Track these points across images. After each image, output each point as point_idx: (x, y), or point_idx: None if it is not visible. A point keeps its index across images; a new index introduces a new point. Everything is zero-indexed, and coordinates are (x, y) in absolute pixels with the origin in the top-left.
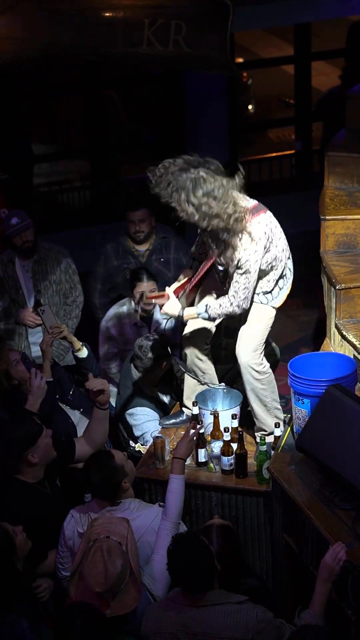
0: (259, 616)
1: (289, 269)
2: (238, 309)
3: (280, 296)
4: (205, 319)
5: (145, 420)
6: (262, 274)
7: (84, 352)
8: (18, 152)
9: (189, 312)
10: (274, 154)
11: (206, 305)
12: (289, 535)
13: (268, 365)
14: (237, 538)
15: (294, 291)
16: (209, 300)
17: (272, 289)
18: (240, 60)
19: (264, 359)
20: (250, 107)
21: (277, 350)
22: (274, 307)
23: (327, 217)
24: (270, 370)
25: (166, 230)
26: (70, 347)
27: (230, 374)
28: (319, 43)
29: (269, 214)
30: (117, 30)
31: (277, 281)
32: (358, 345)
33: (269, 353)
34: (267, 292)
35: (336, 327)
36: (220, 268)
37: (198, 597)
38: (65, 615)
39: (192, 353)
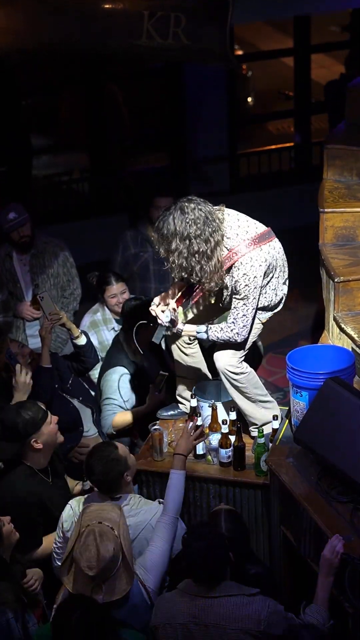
0: (270, 608)
1: (283, 292)
2: (238, 336)
3: (270, 313)
4: (203, 338)
5: (111, 413)
6: (260, 301)
7: (82, 339)
8: (17, 144)
9: (189, 328)
10: (274, 147)
11: (207, 326)
12: (286, 527)
13: (246, 365)
14: (245, 523)
15: (293, 284)
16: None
17: (268, 308)
18: (240, 52)
19: (243, 362)
20: (249, 99)
21: (261, 349)
22: (260, 321)
23: (326, 210)
24: (250, 369)
25: None
26: (68, 338)
27: None
28: (318, 35)
29: (275, 243)
30: (117, 22)
31: (274, 304)
32: (356, 338)
33: (253, 350)
34: (261, 309)
35: (335, 319)
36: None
37: (210, 588)
38: (61, 609)
39: (178, 353)
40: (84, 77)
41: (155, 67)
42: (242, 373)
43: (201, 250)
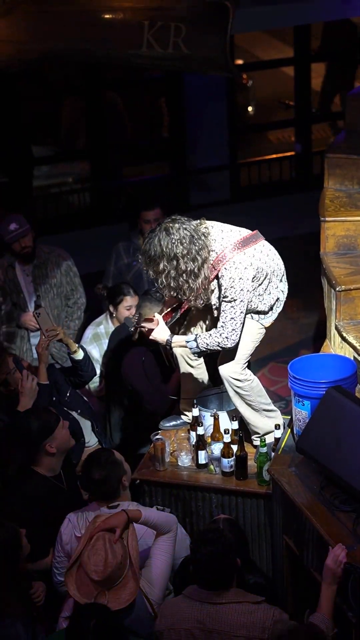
0: (275, 617)
1: (282, 292)
2: (227, 340)
3: (272, 316)
4: (193, 348)
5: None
6: (254, 303)
7: (79, 354)
8: (18, 154)
9: (177, 339)
10: (274, 156)
11: (196, 335)
12: (289, 537)
13: (250, 373)
14: (244, 533)
15: (294, 293)
16: (198, 331)
17: (266, 311)
18: (240, 62)
19: (246, 369)
20: (250, 108)
21: None
22: (263, 325)
23: (327, 219)
24: (253, 377)
25: None
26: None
27: None
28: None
29: (262, 246)
30: (117, 32)
31: (272, 306)
32: (358, 347)
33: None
34: (259, 313)
35: (336, 328)
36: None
37: (215, 594)
38: (78, 616)
39: (182, 358)
40: (84, 86)
41: (155, 76)
42: (246, 380)
43: (189, 269)
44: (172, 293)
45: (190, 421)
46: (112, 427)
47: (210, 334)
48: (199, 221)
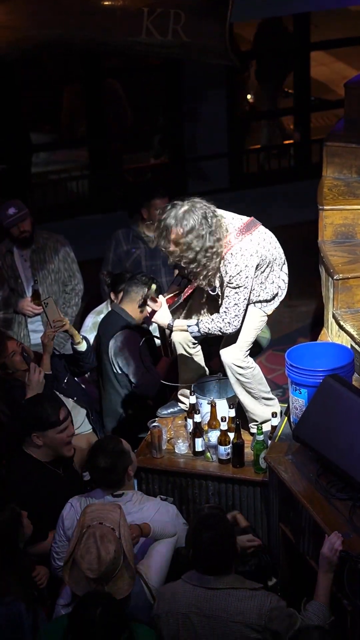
0: (273, 603)
1: (283, 280)
2: (229, 326)
3: (274, 304)
4: (194, 332)
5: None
6: (257, 292)
7: (82, 346)
8: (16, 141)
9: (179, 323)
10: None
11: (197, 320)
12: (285, 524)
13: (252, 360)
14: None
15: (292, 281)
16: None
17: (269, 299)
18: (240, 50)
19: (249, 357)
20: (249, 96)
21: (268, 338)
22: (265, 313)
23: (325, 207)
24: (255, 364)
25: None
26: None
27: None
28: (317, 33)
29: (261, 230)
30: (116, 19)
31: (275, 295)
32: (355, 335)
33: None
34: (262, 301)
35: (334, 317)
36: (210, 290)
37: (214, 580)
38: (82, 605)
39: (180, 345)
40: (83, 73)
41: (154, 63)
42: (247, 368)
43: (213, 247)
44: (191, 267)
45: (187, 409)
46: (104, 414)
47: (213, 319)
48: (215, 208)
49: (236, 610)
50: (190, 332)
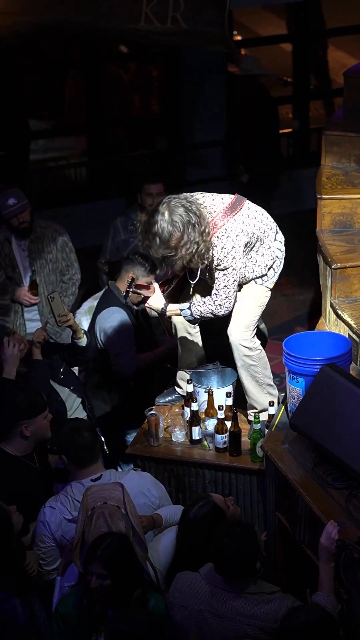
0: (289, 607)
1: (279, 249)
2: (221, 308)
3: (274, 277)
4: (187, 316)
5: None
6: (250, 268)
7: (83, 341)
8: (15, 127)
9: (172, 307)
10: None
11: (190, 303)
12: (281, 513)
13: (259, 342)
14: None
15: (290, 270)
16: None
17: (266, 274)
18: (239, 37)
19: (255, 336)
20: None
21: (266, 332)
22: (268, 288)
23: (323, 196)
24: (261, 347)
25: None
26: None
27: (222, 349)
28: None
29: (245, 207)
30: (115, 6)
31: (271, 267)
32: (353, 325)
33: (258, 333)
34: (261, 277)
35: (331, 306)
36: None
37: (233, 583)
38: (92, 548)
39: (182, 327)
40: (82, 59)
41: (152, 50)
42: (255, 349)
43: (205, 231)
44: (183, 265)
45: (185, 394)
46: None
47: (204, 302)
48: (187, 194)
49: (253, 615)
50: (184, 316)
